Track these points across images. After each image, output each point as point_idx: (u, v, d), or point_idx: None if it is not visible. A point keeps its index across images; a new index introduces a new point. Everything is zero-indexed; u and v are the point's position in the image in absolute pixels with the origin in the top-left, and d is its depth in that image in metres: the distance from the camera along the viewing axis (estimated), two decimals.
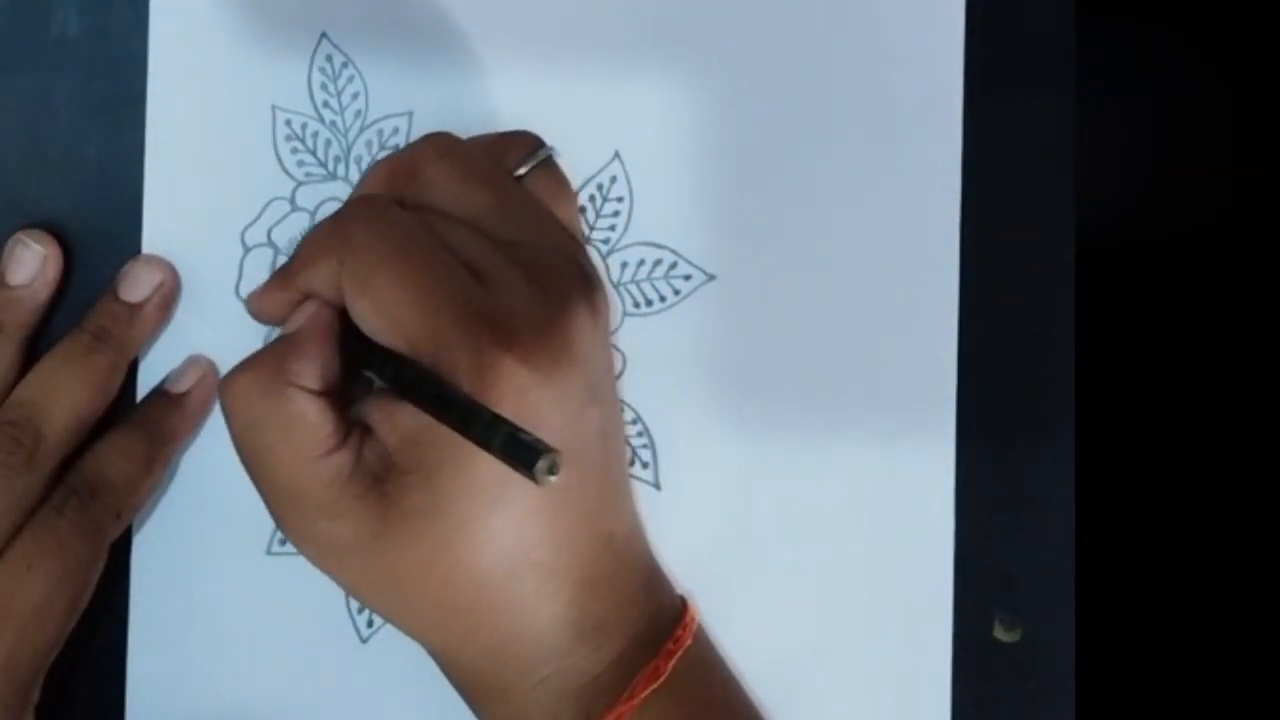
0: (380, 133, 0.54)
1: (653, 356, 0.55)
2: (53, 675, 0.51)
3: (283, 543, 0.54)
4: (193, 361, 0.54)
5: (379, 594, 0.48)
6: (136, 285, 0.53)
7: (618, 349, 0.55)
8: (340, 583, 0.49)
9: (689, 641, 0.50)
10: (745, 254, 0.55)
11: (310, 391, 0.47)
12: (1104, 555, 0.57)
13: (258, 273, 0.54)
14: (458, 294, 0.46)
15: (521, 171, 0.51)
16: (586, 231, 0.55)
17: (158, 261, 0.54)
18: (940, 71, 0.56)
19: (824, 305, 0.56)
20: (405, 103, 0.55)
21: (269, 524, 0.54)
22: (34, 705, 0.50)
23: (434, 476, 0.46)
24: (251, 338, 0.54)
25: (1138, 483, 0.58)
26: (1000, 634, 0.56)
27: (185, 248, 0.54)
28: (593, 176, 0.55)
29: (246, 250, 0.54)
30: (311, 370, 0.47)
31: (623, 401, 0.55)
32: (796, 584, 0.55)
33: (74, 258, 0.54)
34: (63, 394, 0.51)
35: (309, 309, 0.49)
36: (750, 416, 0.55)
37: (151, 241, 0.54)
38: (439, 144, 0.51)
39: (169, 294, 0.53)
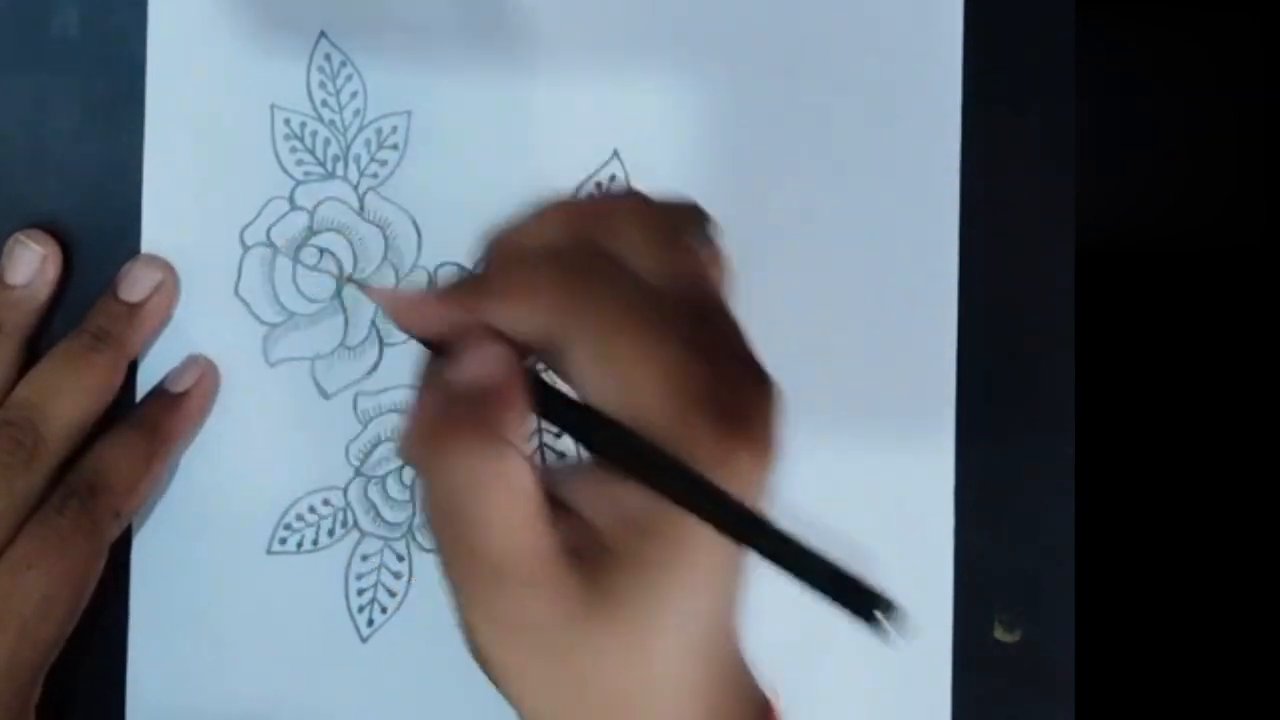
0: (379, 131, 0.54)
1: None
2: (53, 675, 0.51)
3: (283, 542, 0.54)
4: (192, 361, 0.54)
5: (550, 689, 0.43)
6: (136, 285, 0.53)
7: None
8: (521, 674, 0.44)
9: None
10: (744, 252, 0.55)
11: (521, 451, 0.42)
12: (1104, 555, 0.57)
13: (257, 272, 0.54)
14: (701, 372, 0.42)
15: (697, 241, 0.47)
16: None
17: (157, 261, 0.54)
18: (939, 71, 0.56)
19: (823, 305, 0.56)
20: (404, 101, 0.55)
21: (269, 523, 0.54)
22: (35, 705, 0.50)
23: (649, 567, 0.42)
24: (251, 338, 0.54)
25: (1138, 483, 0.58)
26: (1000, 634, 0.56)
27: (184, 247, 0.54)
28: (592, 175, 0.55)
29: (246, 249, 0.54)
30: (521, 427, 0.42)
31: None
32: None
33: (74, 258, 0.54)
34: (63, 395, 0.51)
35: (502, 355, 0.43)
36: None
37: (151, 241, 0.54)
38: (636, 197, 0.47)
39: (169, 293, 0.54)
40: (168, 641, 0.54)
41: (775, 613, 0.55)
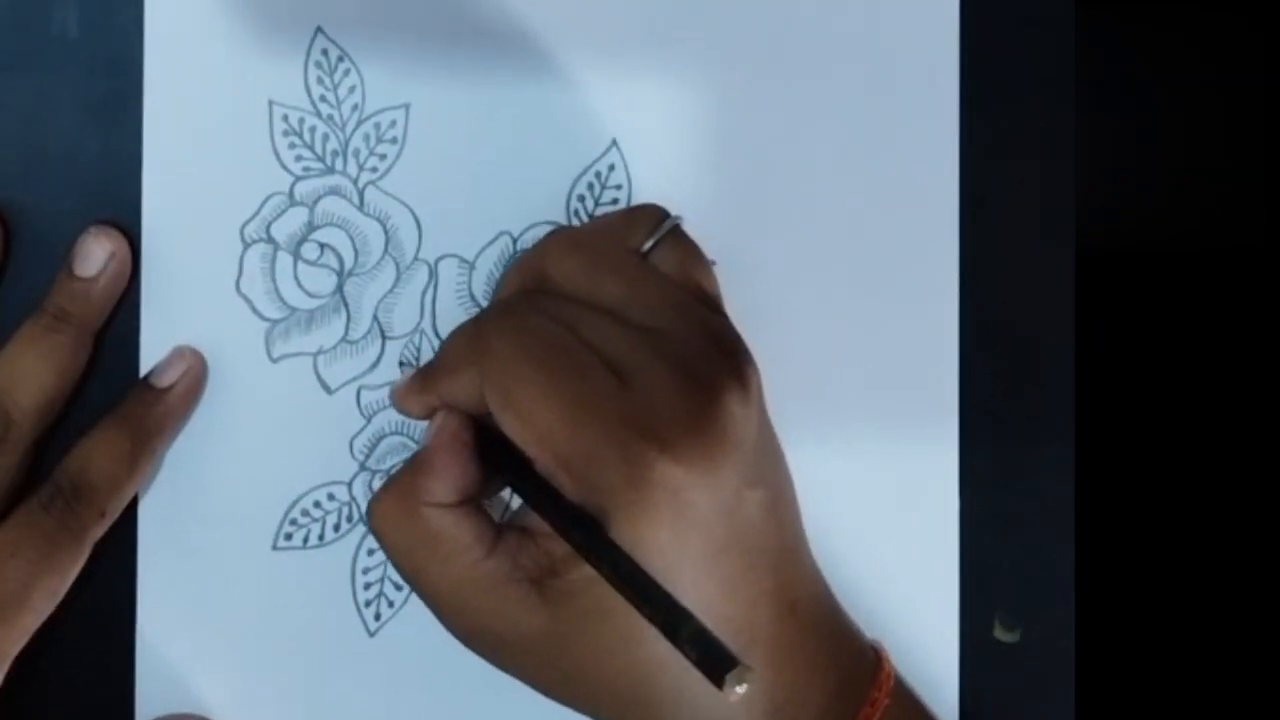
0: (378, 126, 0.54)
1: None
2: (61, 671, 0.51)
3: (288, 538, 0.54)
4: (178, 354, 0.54)
5: (557, 687, 0.49)
6: (89, 259, 0.53)
7: None
8: (519, 677, 0.49)
9: (886, 702, 0.49)
10: (744, 240, 0.55)
11: (445, 507, 0.48)
12: (1104, 555, 0.57)
13: (258, 268, 0.54)
14: (603, 401, 0.45)
15: (648, 246, 0.50)
16: (585, 220, 0.55)
17: (107, 232, 0.53)
18: (939, 70, 0.56)
19: (823, 304, 0.56)
20: (402, 95, 0.55)
21: (275, 519, 0.54)
22: None
23: (603, 585, 0.45)
24: (253, 334, 0.54)
25: (1138, 482, 0.58)
26: (1000, 634, 0.56)
27: (185, 244, 0.54)
28: (590, 165, 0.55)
29: (246, 246, 0.54)
30: (444, 486, 0.48)
31: None
32: None
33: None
34: (28, 377, 0.51)
35: (438, 421, 0.49)
36: None
37: (151, 239, 0.54)
38: (562, 240, 0.51)
39: (123, 262, 0.53)
40: (175, 638, 0.54)
41: None
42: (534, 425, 0.46)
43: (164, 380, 0.53)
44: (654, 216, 0.51)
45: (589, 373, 0.46)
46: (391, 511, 0.48)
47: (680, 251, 0.51)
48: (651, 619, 0.42)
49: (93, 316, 0.53)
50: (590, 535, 0.45)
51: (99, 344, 0.53)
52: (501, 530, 0.48)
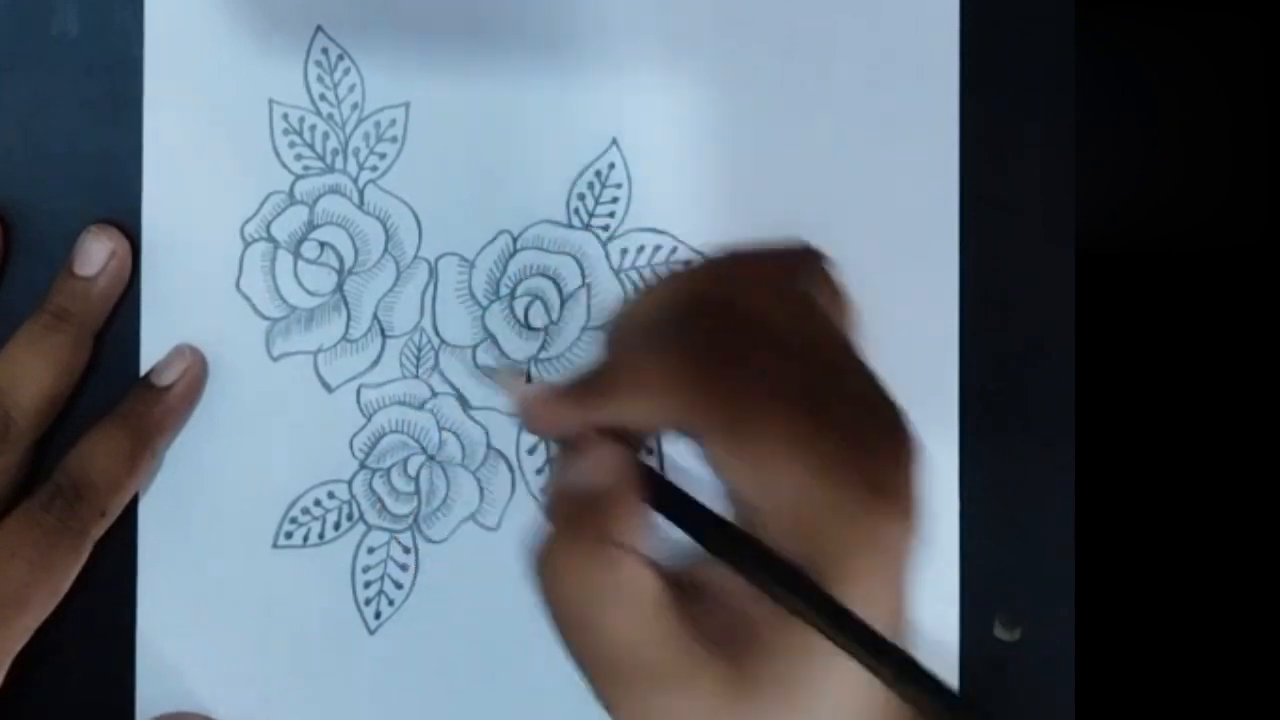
0: (378, 124, 0.55)
1: None
2: (62, 670, 0.51)
3: (289, 536, 0.54)
4: (178, 353, 0.54)
5: None
6: (90, 258, 0.53)
7: None
8: None
9: None
10: (744, 238, 0.55)
11: (633, 552, 0.41)
12: (1104, 555, 0.57)
13: (258, 267, 0.54)
14: (844, 455, 0.41)
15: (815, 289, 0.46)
16: (585, 220, 0.55)
17: (108, 231, 0.53)
18: (938, 70, 0.56)
19: None
20: (402, 94, 0.55)
21: (275, 517, 0.54)
22: None
23: (797, 655, 0.41)
24: (253, 333, 0.54)
25: (1138, 483, 0.58)
26: (1000, 634, 0.56)
27: (185, 244, 0.54)
28: (591, 163, 0.55)
29: (246, 245, 0.54)
30: (635, 528, 0.42)
31: None
32: None
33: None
34: (28, 377, 0.52)
35: (616, 456, 0.43)
36: None
37: (151, 238, 0.54)
38: (747, 251, 0.47)
39: (123, 261, 0.53)
40: (176, 636, 0.54)
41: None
42: (769, 475, 0.41)
43: (164, 379, 0.53)
44: (813, 257, 0.47)
45: (832, 428, 0.41)
46: (569, 554, 0.41)
47: (830, 290, 0.47)
48: (875, 670, 0.40)
49: (93, 316, 0.53)
50: (805, 588, 0.40)
51: (99, 343, 0.53)
52: (680, 583, 0.42)
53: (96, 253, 0.53)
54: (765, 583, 0.41)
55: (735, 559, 0.41)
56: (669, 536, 0.43)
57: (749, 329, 0.43)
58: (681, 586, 0.42)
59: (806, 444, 0.41)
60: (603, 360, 0.45)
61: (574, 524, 0.42)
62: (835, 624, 0.40)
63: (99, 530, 0.52)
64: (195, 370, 0.54)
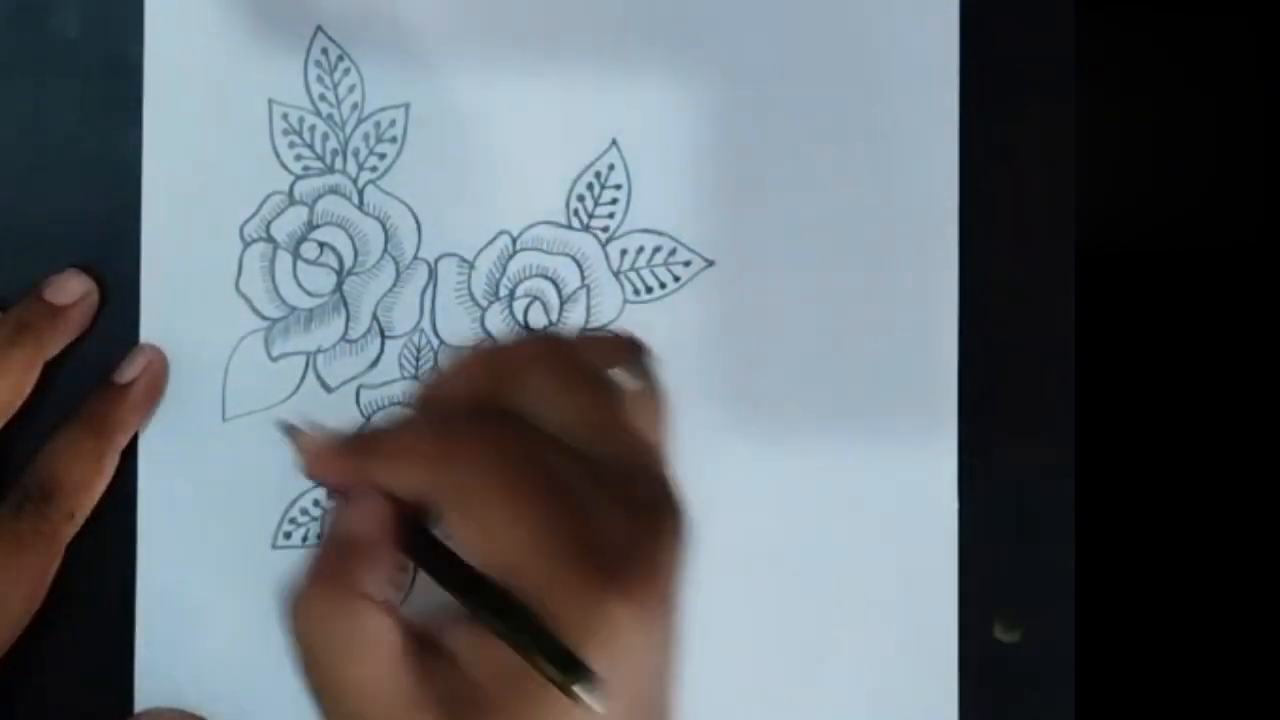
0: (377, 125, 0.55)
1: (654, 343, 0.55)
2: (61, 672, 0.51)
3: (287, 536, 0.55)
4: (139, 350, 0.54)
5: None
6: (63, 290, 0.53)
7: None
8: None
9: None
10: (744, 239, 0.56)
11: (378, 604, 0.43)
12: (1104, 555, 0.57)
13: (257, 267, 0.54)
14: (568, 528, 0.43)
15: (624, 382, 0.48)
16: (585, 221, 0.55)
17: (85, 276, 0.54)
18: (938, 70, 0.56)
19: (823, 303, 0.56)
20: (402, 94, 0.55)
21: (274, 518, 0.54)
22: None
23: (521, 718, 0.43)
24: (253, 333, 0.54)
25: (1138, 482, 0.58)
26: (1000, 634, 0.56)
27: (184, 243, 0.54)
28: (590, 164, 0.55)
29: (246, 245, 0.54)
30: (379, 580, 0.44)
31: None
32: (800, 581, 0.55)
33: (73, 257, 0.54)
34: None
35: (376, 509, 0.45)
36: (751, 403, 0.55)
37: (151, 238, 0.54)
38: (542, 345, 0.49)
39: (91, 306, 0.54)
40: (175, 638, 0.54)
41: (778, 611, 0.55)
42: (497, 542, 0.43)
43: (125, 376, 0.53)
44: (634, 349, 0.50)
45: (557, 498, 0.44)
46: (321, 600, 0.43)
47: (655, 400, 0.50)
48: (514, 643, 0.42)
49: (52, 340, 0.53)
50: (510, 607, 0.43)
51: (98, 343, 0.53)
52: (427, 642, 0.44)
53: (73, 286, 0.53)
54: (505, 634, 0.42)
55: (483, 612, 0.43)
56: (432, 596, 0.45)
57: (524, 411, 0.46)
58: (428, 645, 0.43)
59: (536, 523, 0.43)
60: (381, 423, 0.48)
61: (325, 571, 0.44)
62: (565, 673, 0.41)
63: (70, 532, 0.52)
64: (156, 366, 0.54)
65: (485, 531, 0.43)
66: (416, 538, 0.45)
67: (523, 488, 0.43)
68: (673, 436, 0.50)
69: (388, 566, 0.44)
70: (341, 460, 0.46)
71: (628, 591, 0.43)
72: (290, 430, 0.47)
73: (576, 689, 0.41)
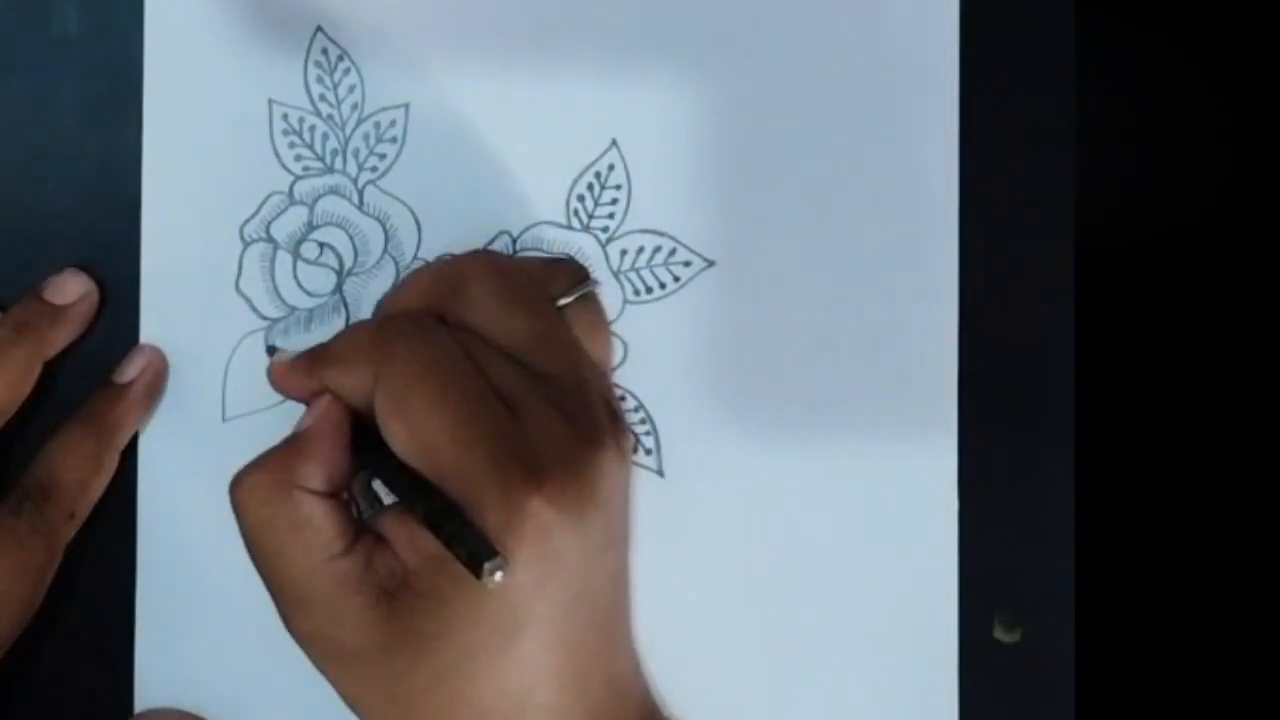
0: (377, 125, 0.54)
1: (654, 344, 0.55)
2: (61, 672, 0.51)
3: None
4: (138, 350, 0.54)
5: (377, 709, 0.48)
6: (63, 290, 0.53)
7: (619, 337, 0.55)
8: (340, 690, 0.49)
9: None
10: (744, 240, 0.55)
11: (317, 494, 0.48)
12: (1104, 555, 0.57)
13: (257, 267, 0.54)
14: (493, 428, 0.46)
15: (564, 302, 0.52)
16: (585, 221, 0.55)
17: (85, 276, 0.54)
18: (938, 69, 0.56)
19: (822, 303, 0.56)
20: (402, 94, 0.55)
21: None
22: None
23: (448, 604, 0.46)
24: (253, 333, 0.54)
25: (1138, 482, 0.58)
26: (1000, 634, 0.56)
27: (184, 243, 0.54)
28: (590, 164, 0.55)
29: (246, 245, 0.54)
30: (319, 473, 0.48)
31: (625, 389, 0.55)
32: (800, 580, 0.55)
33: (73, 257, 0.54)
34: None
35: (321, 407, 0.49)
36: (752, 403, 0.55)
37: (151, 238, 0.54)
38: (487, 263, 0.52)
39: (92, 304, 0.54)
40: (175, 638, 0.54)
41: (777, 610, 0.55)
42: (421, 437, 0.47)
43: (125, 376, 0.54)
44: (576, 273, 0.53)
45: (483, 400, 0.47)
46: (260, 487, 0.48)
47: (591, 314, 0.53)
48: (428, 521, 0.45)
49: (52, 340, 0.53)
50: (439, 504, 0.46)
51: (98, 343, 0.53)
52: (360, 532, 0.48)
53: (72, 286, 0.53)
54: (425, 521, 0.46)
55: (410, 502, 0.47)
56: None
57: (466, 322, 0.50)
58: (366, 535, 0.48)
59: (459, 418, 0.46)
60: (336, 335, 0.52)
61: (268, 462, 0.48)
62: (471, 554, 0.44)
63: (69, 532, 0.52)
64: (155, 366, 0.54)
65: (409, 425, 0.47)
66: (365, 438, 0.49)
67: (451, 386, 0.47)
68: (613, 353, 0.54)
69: (331, 463, 0.48)
70: (298, 371, 0.50)
71: (554, 494, 0.46)
72: (271, 352, 0.53)
73: (485, 567, 0.43)
